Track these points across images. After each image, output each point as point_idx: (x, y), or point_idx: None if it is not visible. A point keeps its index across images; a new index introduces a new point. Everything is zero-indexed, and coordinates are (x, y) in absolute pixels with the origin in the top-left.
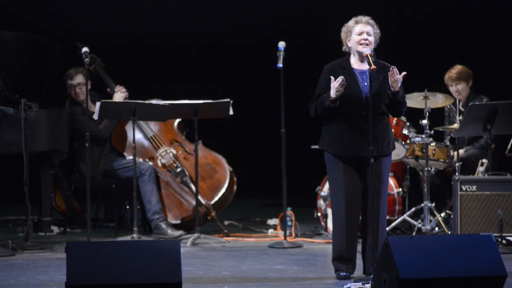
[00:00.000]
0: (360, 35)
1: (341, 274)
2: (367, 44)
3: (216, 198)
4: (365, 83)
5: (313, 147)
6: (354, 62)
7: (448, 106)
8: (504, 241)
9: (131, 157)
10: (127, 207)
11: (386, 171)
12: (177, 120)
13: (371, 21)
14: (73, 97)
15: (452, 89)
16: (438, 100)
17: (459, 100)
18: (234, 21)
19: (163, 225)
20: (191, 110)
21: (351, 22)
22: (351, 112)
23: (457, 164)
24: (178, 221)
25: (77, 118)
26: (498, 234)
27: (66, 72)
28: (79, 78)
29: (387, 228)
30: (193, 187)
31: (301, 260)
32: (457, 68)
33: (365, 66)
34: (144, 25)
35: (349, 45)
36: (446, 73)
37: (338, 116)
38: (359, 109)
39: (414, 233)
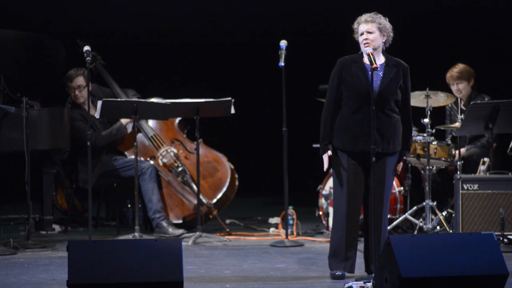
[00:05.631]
0: (361, 35)
1: (336, 274)
2: (369, 43)
3: (217, 197)
4: (375, 79)
5: (314, 145)
6: (366, 58)
7: (449, 105)
8: (505, 240)
9: (132, 156)
10: (129, 205)
11: (391, 169)
12: (178, 119)
13: (370, 18)
14: (73, 99)
15: (454, 88)
16: (439, 99)
17: (460, 99)
18: (236, 19)
19: (165, 224)
20: (193, 108)
21: (355, 24)
22: (360, 107)
23: (458, 163)
24: (180, 221)
25: (73, 124)
26: (499, 233)
27: (67, 72)
28: (79, 81)
29: (389, 227)
30: (194, 186)
31: (302, 259)
32: (459, 67)
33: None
34: (145, 23)
35: (360, 44)
36: (448, 72)
37: (347, 111)
38: (368, 104)
39: (415, 232)
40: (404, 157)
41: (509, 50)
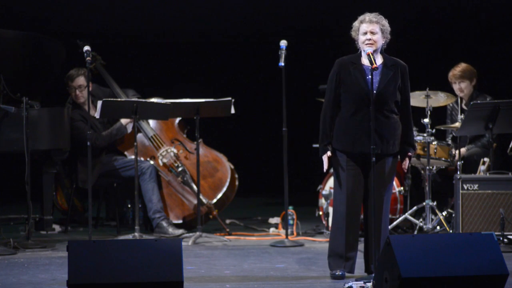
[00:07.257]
0: (364, 35)
1: (336, 273)
2: (372, 44)
3: (217, 197)
4: (373, 80)
5: (314, 145)
6: (364, 58)
7: (451, 105)
8: (505, 240)
9: (132, 156)
10: (129, 205)
11: (391, 170)
12: (178, 119)
13: (375, 19)
14: (73, 99)
15: (456, 86)
16: (439, 99)
17: (461, 99)
18: (236, 19)
19: (165, 224)
20: (193, 108)
21: (357, 22)
22: (358, 109)
23: (458, 162)
24: (180, 221)
25: (74, 124)
26: (499, 233)
27: (67, 72)
28: (80, 81)
29: (389, 227)
30: (194, 186)
31: (302, 259)
32: (462, 66)
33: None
34: (145, 23)
35: (359, 43)
36: (450, 71)
37: (345, 112)
38: (366, 106)
39: (415, 232)
40: (410, 153)
41: (509, 50)
